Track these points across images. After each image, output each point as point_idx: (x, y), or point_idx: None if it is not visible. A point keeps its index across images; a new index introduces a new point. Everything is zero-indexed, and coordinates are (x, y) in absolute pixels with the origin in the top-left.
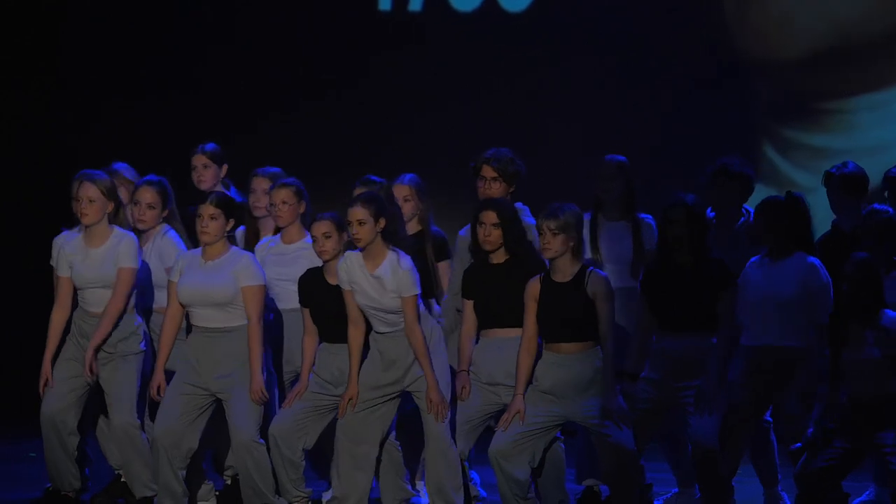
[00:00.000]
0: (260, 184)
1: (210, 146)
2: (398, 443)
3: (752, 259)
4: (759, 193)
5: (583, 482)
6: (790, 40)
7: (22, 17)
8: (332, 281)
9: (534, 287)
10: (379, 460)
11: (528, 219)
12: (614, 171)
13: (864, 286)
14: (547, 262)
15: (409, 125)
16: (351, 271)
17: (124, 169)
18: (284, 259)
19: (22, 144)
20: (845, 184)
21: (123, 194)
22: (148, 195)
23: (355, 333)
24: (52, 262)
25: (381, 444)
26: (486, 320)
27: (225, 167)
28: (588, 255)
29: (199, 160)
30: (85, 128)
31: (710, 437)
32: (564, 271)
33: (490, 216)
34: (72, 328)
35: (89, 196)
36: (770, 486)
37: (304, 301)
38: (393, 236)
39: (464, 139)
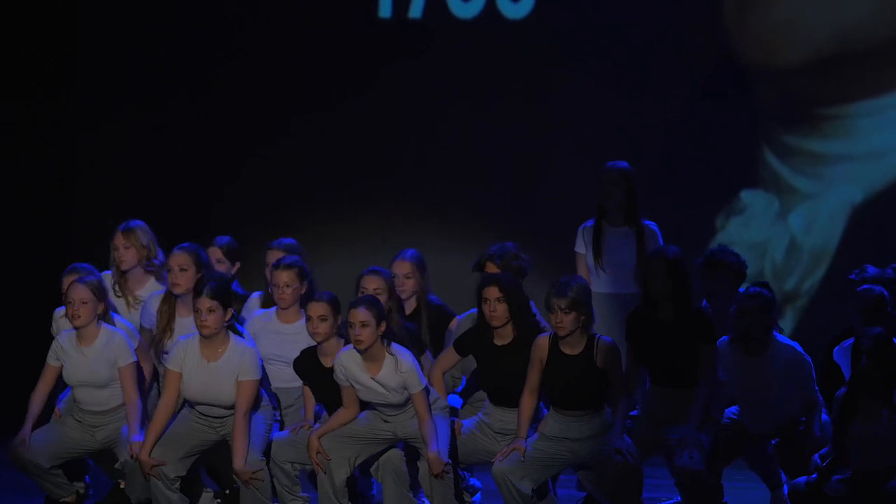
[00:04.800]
0: (275, 255)
1: (225, 240)
2: (402, 452)
3: (722, 341)
4: (760, 198)
5: (584, 489)
6: (790, 46)
7: (19, 21)
8: (326, 363)
9: (542, 348)
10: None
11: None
12: (616, 177)
13: (881, 361)
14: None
15: (409, 133)
16: (350, 372)
17: (140, 227)
18: (282, 339)
19: (21, 146)
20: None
21: (131, 255)
22: (180, 259)
23: (346, 414)
24: (53, 333)
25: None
26: (494, 398)
27: (237, 265)
28: (591, 261)
29: (213, 253)
30: (82, 128)
31: (696, 464)
32: (573, 345)
33: (493, 291)
34: (74, 407)
35: (81, 298)
36: (776, 489)
37: (302, 378)
38: (392, 336)
39: (465, 146)
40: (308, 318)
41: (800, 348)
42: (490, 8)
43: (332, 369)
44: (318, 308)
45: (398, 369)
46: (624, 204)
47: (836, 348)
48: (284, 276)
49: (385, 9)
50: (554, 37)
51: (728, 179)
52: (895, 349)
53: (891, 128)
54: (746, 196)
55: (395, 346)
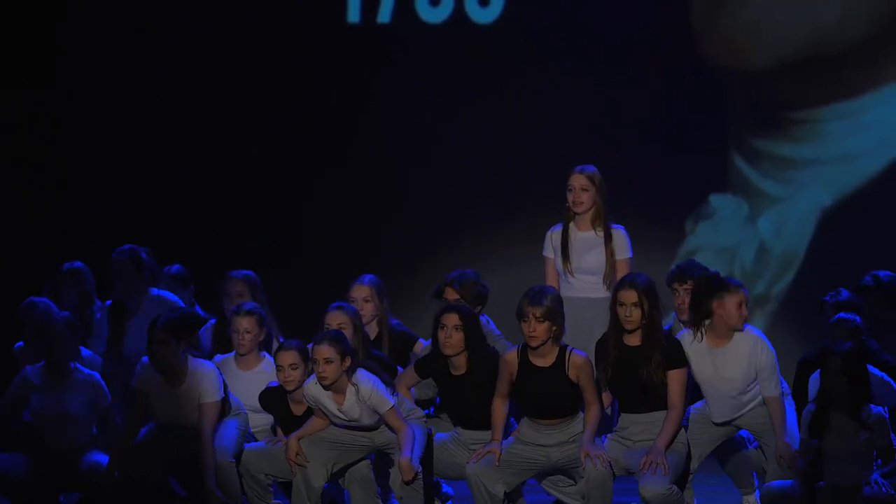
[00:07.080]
0: (234, 286)
1: (175, 268)
2: (370, 462)
3: (682, 333)
4: (729, 203)
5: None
6: (759, 50)
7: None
8: (296, 410)
9: (511, 363)
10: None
11: (494, 331)
12: (585, 181)
13: (850, 379)
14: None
15: (378, 137)
16: (318, 400)
17: (82, 270)
18: (242, 386)
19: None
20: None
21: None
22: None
23: (321, 421)
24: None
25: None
26: (459, 423)
27: (192, 289)
28: (559, 265)
29: (167, 279)
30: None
31: (660, 481)
32: (544, 356)
33: (452, 318)
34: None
35: (56, 336)
36: (748, 493)
37: (266, 411)
38: (355, 370)
39: (437, 149)
40: (279, 368)
41: (765, 338)
42: (458, 12)
43: (302, 416)
44: (288, 357)
45: (360, 397)
46: (592, 208)
47: (813, 376)
48: (244, 323)
49: (353, 14)
50: (522, 41)
51: (697, 184)
52: (864, 366)
53: (860, 132)
54: (715, 200)
55: (356, 375)
